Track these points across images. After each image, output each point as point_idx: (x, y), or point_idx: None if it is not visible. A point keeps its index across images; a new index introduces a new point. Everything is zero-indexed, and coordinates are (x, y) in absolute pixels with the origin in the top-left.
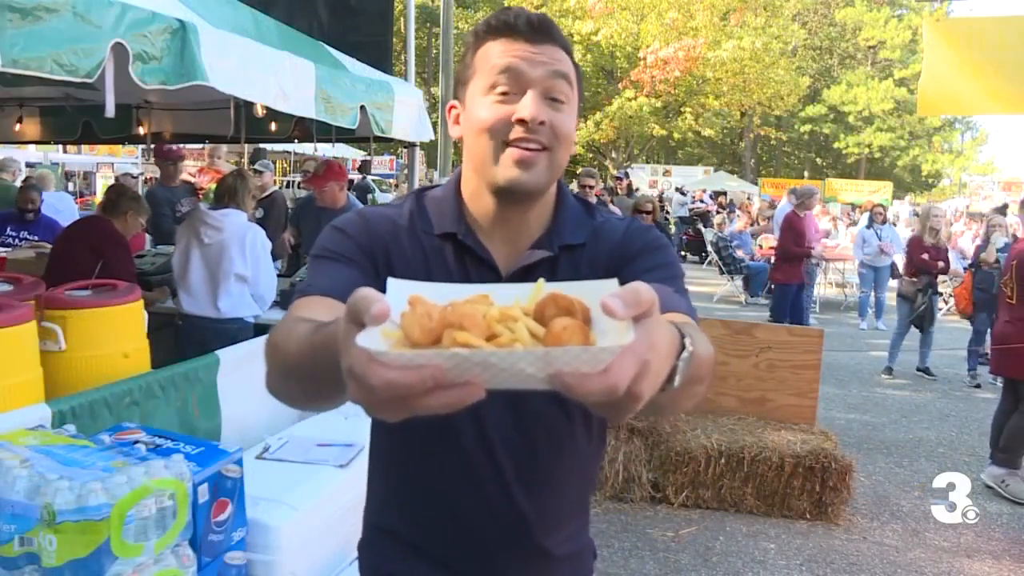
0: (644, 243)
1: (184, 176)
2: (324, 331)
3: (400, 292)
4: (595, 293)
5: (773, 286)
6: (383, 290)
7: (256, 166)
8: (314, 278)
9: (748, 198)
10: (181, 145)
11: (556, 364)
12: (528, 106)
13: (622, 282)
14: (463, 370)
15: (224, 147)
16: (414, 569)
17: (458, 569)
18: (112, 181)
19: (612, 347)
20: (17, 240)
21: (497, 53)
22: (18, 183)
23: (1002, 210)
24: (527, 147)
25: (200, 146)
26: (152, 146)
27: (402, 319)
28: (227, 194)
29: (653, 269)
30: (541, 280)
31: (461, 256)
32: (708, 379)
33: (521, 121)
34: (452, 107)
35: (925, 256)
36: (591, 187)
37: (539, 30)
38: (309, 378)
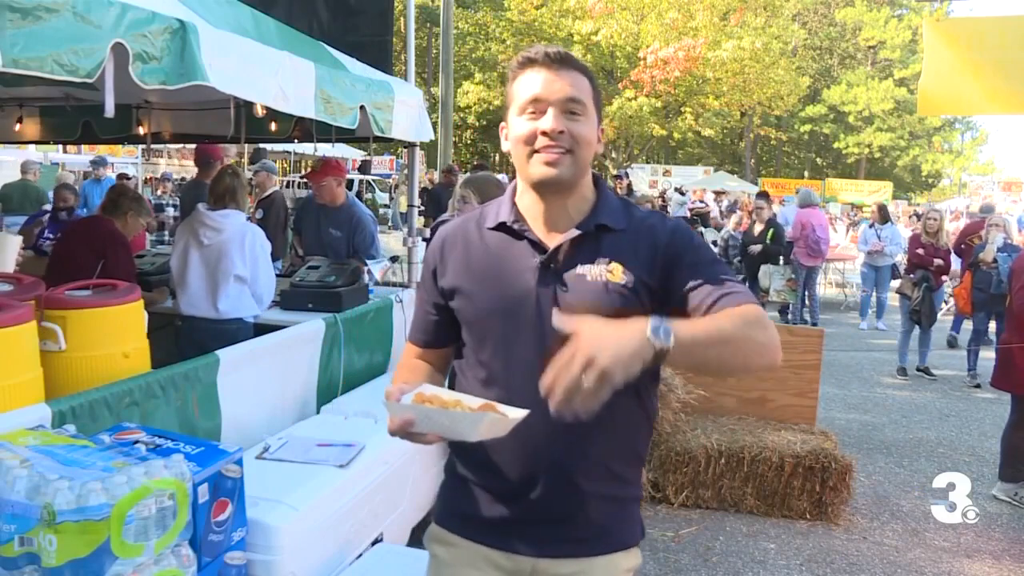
0: (685, 246)
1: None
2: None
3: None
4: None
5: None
6: (447, 282)
7: (257, 167)
8: (415, 320)
9: (747, 196)
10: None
11: (483, 422)
12: (548, 121)
13: (673, 277)
14: (427, 416)
15: (232, 148)
16: (475, 503)
17: (513, 499)
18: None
19: (515, 412)
20: (54, 240)
21: (527, 83)
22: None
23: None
24: (551, 151)
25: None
26: (181, 146)
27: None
28: (227, 194)
29: (696, 264)
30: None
31: (511, 240)
32: (735, 338)
33: (544, 133)
34: (503, 127)
35: (920, 251)
36: None
37: (556, 60)
38: None
